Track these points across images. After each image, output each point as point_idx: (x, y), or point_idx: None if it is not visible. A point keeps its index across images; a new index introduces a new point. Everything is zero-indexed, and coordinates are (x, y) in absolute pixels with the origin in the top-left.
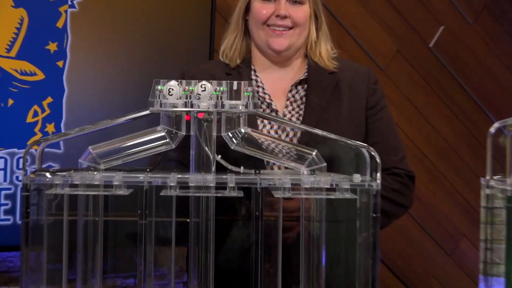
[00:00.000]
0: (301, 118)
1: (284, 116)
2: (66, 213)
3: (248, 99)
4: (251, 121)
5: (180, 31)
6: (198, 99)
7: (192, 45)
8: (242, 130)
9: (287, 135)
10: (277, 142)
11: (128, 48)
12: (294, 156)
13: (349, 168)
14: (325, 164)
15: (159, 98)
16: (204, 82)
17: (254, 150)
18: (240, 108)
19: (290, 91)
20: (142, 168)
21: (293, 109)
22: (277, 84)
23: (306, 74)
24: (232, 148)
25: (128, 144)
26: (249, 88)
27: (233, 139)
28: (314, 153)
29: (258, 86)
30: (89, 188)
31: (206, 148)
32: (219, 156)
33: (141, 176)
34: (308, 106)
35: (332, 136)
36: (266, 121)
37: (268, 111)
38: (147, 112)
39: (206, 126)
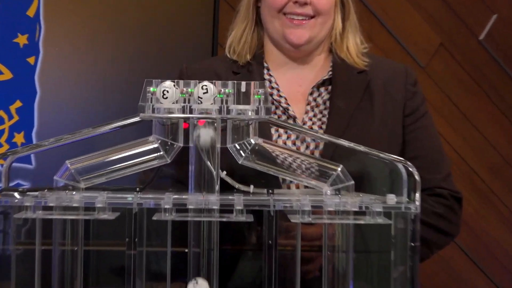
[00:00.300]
0: (324, 126)
1: (304, 124)
2: (39, 242)
3: (260, 103)
4: (263, 130)
5: (177, 21)
6: (198, 103)
7: (192, 38)
8: (252, 141)
9: (307, 147)
10: (294, 155)
11: (115, 42)
12: (316, 173)
13: (382, 187)
14: (352, 182)
15: (151, 102)
16: (205, 82)
17: (267, 165)
18: (250, 114)
19: (311, 93)
20: (131, 186)
21: (314, 116)
22: (295, 85)
23: (330, 73)
24: (239, 162)
25: (114, 158)
26: (261, 90)
27: (241, 151)
28: (339, 169)
29: (272, 88)
30: (67, 212)
31: (208, 163)
32: (224, 172)
33: (129, 197)
34: (332, 112)
35: (362, 148)
36: (281, 130)
37: (284, 118)
38: (136, 119)
39: None
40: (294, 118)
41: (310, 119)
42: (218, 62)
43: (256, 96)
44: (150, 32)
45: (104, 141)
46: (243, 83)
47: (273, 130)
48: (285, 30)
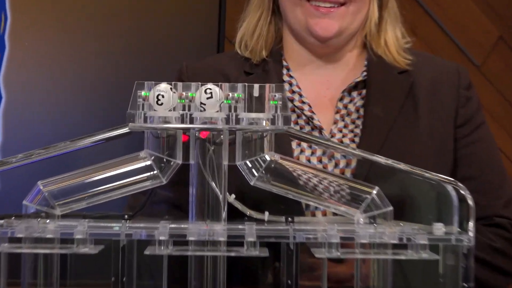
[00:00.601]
0: (357, 139)
1: (332, 136)
2: (4, 281)
3: (277, 111)
4: (282, 144)
5: (176, 12)
6: (201, 111)
7: (193, 32)
8: (267, 158)
9: (336, 165)
10: (320, 175)
11: (100, 36)
12: (346, 197)
13: (427, 214)
14: (391, 208)
15: (142, 109)
16: (210, 85)
17: (286, 188)
18: (264, 124)
19: (341, 99)
20: (118, 214)
21: (345, 126)
22: (321, 88)
23: (364, 73)
24: (252, 184)
25: (97, 178)
26: (278, 95)
27: (254, 170)
28: (375, 192)
29: (293, 92)
30: (39, 244)
31: (213, 184)
32: (233, 196)
33: (116, 226)
34: (367, 121)
35: (403, 166)
36: (304, 144)
37: (307, 128)
38: (125, 130)
39: (213, 151)
40: (320, 129)
41: (340, 131)
42: (226, 59)
43: (272, 102)
44: (143, 24)
45: (85, 157)
46: (256, 86)
47: (294, 144)
48: (309, 20)
